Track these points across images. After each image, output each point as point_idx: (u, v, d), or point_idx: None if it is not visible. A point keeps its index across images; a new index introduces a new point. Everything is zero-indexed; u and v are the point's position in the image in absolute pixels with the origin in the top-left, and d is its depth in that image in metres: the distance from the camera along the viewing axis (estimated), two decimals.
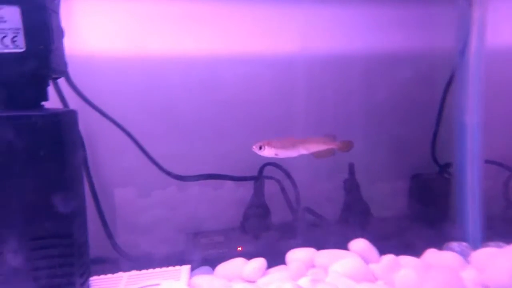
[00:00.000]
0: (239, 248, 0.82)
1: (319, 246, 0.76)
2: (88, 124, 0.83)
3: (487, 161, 0.69)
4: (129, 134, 0.83)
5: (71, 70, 0.78)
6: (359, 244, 0.71)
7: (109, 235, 0.85)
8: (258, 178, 0.91)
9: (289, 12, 0.90)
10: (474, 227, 0.68)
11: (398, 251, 0.70)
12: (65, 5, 0.79)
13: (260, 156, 0.92)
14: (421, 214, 0.91)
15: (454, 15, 0.72)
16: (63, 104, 0.80)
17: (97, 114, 0.83)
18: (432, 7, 0.92)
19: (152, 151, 0.87)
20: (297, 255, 0.72)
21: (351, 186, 0.89)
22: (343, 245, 0.75)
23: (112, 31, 0.84)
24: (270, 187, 0.92)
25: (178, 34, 0.87)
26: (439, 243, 0.74)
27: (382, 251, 0.72)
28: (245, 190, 0.92)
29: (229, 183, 0.94)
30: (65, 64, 0.65)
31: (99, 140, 0.87)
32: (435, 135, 0.95)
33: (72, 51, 0.80)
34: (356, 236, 0.75)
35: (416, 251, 0.72)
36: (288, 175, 0.90)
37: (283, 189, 0.91)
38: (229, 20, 0.89)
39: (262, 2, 0.89)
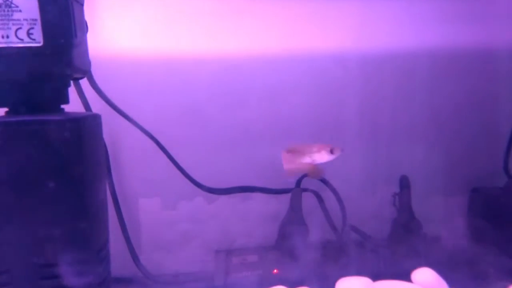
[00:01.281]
0: (275, 271, 0.73)
1: (368, 272, 0.66)
2: (111, 129, 0.77)
3: None
4: (157, 142, 0.75)
5: (94, 70, 0.72)
6: (425, 275, 0.60)
7: (132, 252, 0.77)
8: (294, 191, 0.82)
9: (339, 5, 0.80)
10: None
11: (467, 283, 0.60)
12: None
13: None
14: (484, 235, 0.80)
15: None
16: (85, 108, 0.73)
17: (120, 119, 0.76)
18: None
19: (180, 160, 0.79)
20: (349, 285, 0.62)
21: (403, 201, 0.79)
22: (396, 271, 0.65)
23: (140, 29, 0.77)
24: (308, 201, 0.83)
25: (210, 32, 0.78)
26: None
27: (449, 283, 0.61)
28: (280, 203, 0.83)
29: (262, 194, 0.85)
30: (88, 63, 0.58)
31: (123, 147, 0.80)
32: (510, 141, 0.83)
33: (96, 50, 0.75)
34: (412, 261, 0.65)
35: (489, 284, 0.61)
36: (331, 188, 0.80)
37: (323, 204, 0.82)
38: (268, 16, 0.80)
39: None
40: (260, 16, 0.79)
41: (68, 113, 0.52)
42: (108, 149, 0.77)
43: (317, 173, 0.71)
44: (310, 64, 0.81)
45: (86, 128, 0.49)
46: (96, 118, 0.53)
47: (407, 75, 0.82)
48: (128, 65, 0.76)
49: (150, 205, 0.84)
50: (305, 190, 0.82)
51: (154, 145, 0.77)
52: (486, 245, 0.77)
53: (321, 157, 0.67)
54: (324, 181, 0.80)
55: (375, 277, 0.66)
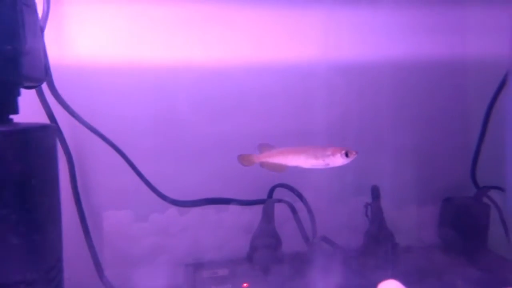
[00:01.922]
0: (245, 285, 0.71)
1: (340, 285, 0.65)
2: (79, 140, 0.75)
3: None
4: (121, 152, 0.73)
5: (58, 79, 0.70)
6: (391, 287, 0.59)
7: (97, 266, 0.74)
8: (266, 202, 0.81)
9: (309, 15, 0.80)
10: None
11: None
12: (55, 7, 0.71)
13: (269, 176, 0.82)
14: (455, 245, 0.79)
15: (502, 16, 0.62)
16: (49, 118, 0.71)
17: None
18: (475, 10, 0.82)
19: (148, 172, 0.77)
20: None
21: (375, 211, 0.78)
22: (365, 282, 0.64)
23: (108, 37, 0.75)
24: (281, 212, 0.81)
25: (181, 40, 0.77)
26: (486, 285, 0.63)
27: None
28: (255, 214, 0.82)
29: (237, 206, 0.84)
30: (43, 70, 0.56)
31: (91, 159, 0.77)
32: (477, 152, 0.83)
33: (61, 58, 0.73)
34: (384, 273, 0.64)
35: None
36: (301, 197, 0.79)
37: (296, 215, 0.80)
38: (238, 25, 0.79)
39: (279, 3, 0.79)
40: (229, 25, 0.78)
41: (16, 123, 0.49)
42: (74, 161, 0.75)
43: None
44: (279, 74, 0.80)
45: (34, 139, 0.46)
46: (48, 129, 0.50)
47: (375, 85, 0.82)
48: (94, 74, 0.74)
49: (119, 218, 0.81)
50: (278, 201, 0.81)
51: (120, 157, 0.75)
52: (456, 255, 0.77)
53: (335, 160, 0.64)
54: (295, 191, 0.79)
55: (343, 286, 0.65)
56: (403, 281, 0.62)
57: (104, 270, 0.75)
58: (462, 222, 0.80)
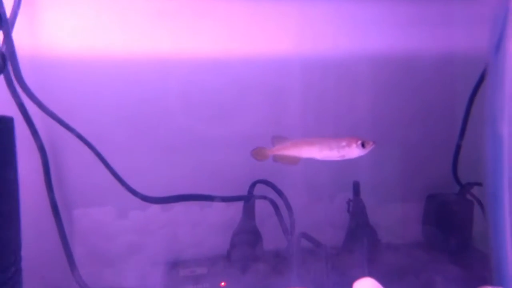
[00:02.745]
0: (223, 284, 0.69)
1: (316, 283, 0.63)
2: (54, 134, 0.72)
3: None
4: (90, 145, 0.70)
5: (28, 71, 0.68)
6: (366, 285, 0.58)
7: (72, 264, 0.72)
8: (248, 198, 0.79)
9: (284, 7, 0.78)
10: None
11: None
12: None
13: (251, 172, 0.80)
14: (438, 242, 0.78)
15: (484, 10, 0.60)
16: (20, 110, 0.69)
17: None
18: (454, 2, 0.80)
19: (125, 167, 0.75)
20: None
21: (356, 208, 0.77)
22: (346, 281, 0.63)
23: (78, 29, 0.72)
24: (263, 208, 0.80)
25: (154, 32, 0.75)
26: (465, 283, 0.61)
27: None
28: (238, 211, 0.80)
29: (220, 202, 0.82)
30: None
31: (67, 153, 0.75)
32: (457, 149, 0.82)
33: (31, 50, 0.71)
34: (362, 270, 0.63)
35: None
36: (280, 194, 0.77)
37: (277, 211, 0.79)
38: (211, 18, 0.77)
39: None
40: (202, 17, 0.76)
41: None
42: (49, 155, 0.72)
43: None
44: (254, 67, 0.78)
45: None
46: (4, 122, 0.48)
47: (353, 79, 0.80)
48: (66, 66, 0.72)
49: (97, 215, 0.79)
50: (259, 197, 0.80)
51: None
52: (439, 252, 0.75)
53: (352, 152, 0.60)
54: (275, 187, 0.77)
55: (319, 286, 0.64)
56: (381, 279, 0.60)
57: (79, 269, 0.72)
58: (446, 219, 0.79)
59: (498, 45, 0.54)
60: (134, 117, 0.76)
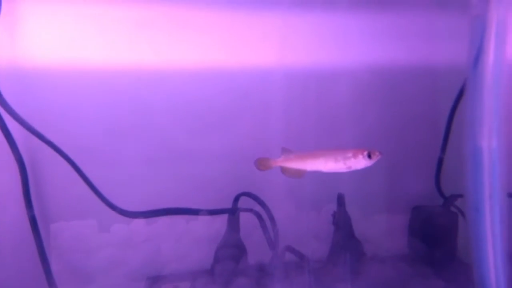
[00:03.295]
0: None
1: None
2: (33, 146, 0.71)
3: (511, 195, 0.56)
4: (67, 158, 0.69)
5: (11, 84, 0.67)
6: None
7: (50, 280, 0.70)
8: (233, 211, 0.78)
9: (265, 19, 0.78)
10: (498, 282, 0.54)
11: None
12: (8, 6, 0.68)
13: (235, 185, 0.80)
14: (423, 255, 0.78)
15: (462, 22, 0.61)
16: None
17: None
18: (436, 15, 0.81)
19: (107, 180, 0.73)
20: None
21: (341, 220, 0.76)
22: None
23: (59, 39, 0.72)
24: (248, 221, 0.79)
25: (137, 44, 0.74)
26: None
27: None
28: (224, 223, 0.79)
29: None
30: None
31: (47, 165, 0.74)
32: (440, 162, 0.82)
33: (13, 63, 0.70)
34: (346, 285, 0.62)
35: None
36: (264, 206, 0.76)
37: (262, 224, 0.78)
38: (192, 28, 0.76)
39: (235, 7, 0.77)
40: (183, 28, 0.75)
41: None
42: (27, 169, 0.71)
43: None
44: (235, 78, 0.78)
45: None
46: None
47: (334, 91, 0.80)
48: (45, 78, 0.71)
49: (78, 228, 0.78)
50: (245, 210, 0.79)
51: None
52: (424, 265, 0.75)
53: (358, 163, 0.59)
54: (258, 200, 0.76)
55: None
56: None
57: (57, 285, 0.70)
58: (431, 230, 0.79)
59: (476, 59, 0.54)
60: (116, 130, 0.75)
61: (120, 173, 0.76)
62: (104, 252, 0.77)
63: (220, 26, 0.76)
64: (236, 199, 0.78)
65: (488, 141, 0.53)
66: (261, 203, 0.76)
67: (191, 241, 0.83)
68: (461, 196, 0.77)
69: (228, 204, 0.78)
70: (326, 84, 0.80)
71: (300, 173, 0.62)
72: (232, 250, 0.75)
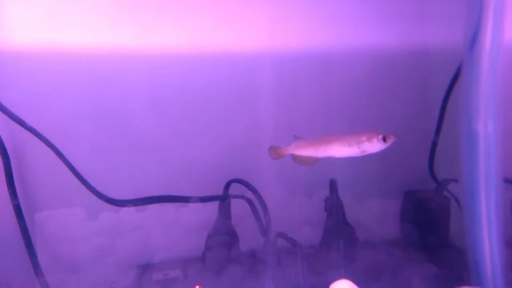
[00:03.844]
0: (197, 287, 0.67)
1: (292, 285, 0.61)
2: (17, 135, 0.68)
3: (506, 180, 0.55)
4: (51, 146, 0.67)
5: None
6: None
7: (37, 271, 0.69)
8: (224, 198, 0.77)
9: (257, 3, 0.75)
10: (493, 267, 0.54)
11: None
12: None
13: (226, 171, 0.78)
14: (416, 240, 0.78)
15: (457, 3, 0.59)
16: None
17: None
18: None
19: (92, 167, 0.71)
20: None
21: (333, 206, 0.75)
22: (323, 282, 0.61)
23: (42, 21, 0.68)
24: (240, 208, 0.78)
25: (119, 26, 0.71)
26: (443, 282, 0.61)
27: None
28: (215, 211, 0.78)
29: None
30: None
31: (31, 154, 0.71)
32: (433, 146, 0.81)
33: None
34: (339, 271, 0.61)
35: None
36: (255, 193, 0.75)
37: (254, 210, 0.77)
38: (180, 11, 0.73)
39: None
40: (170, 12, 0.72)
41: None
42: (11, 158, 0.68)
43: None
44: (224, 63, 0.75)
45: None
46: None
47: (327, 77, 0.78)
48: (23, 62, 0.68)
49: (65, 217, 0.76)
50: (236, 196, 0.78)
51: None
52: (416, 250, 0.75)
53: (372, 146, 0.58)
54: (249, 186, 0.75)
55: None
56: (358, 279, 0.59)
57: (45, 276, 0.69)
58: (423, 215, 0.78)
59: (473, 41, 0.53)
60: (101, 115, 0.72)
61: (108, 160, 0.74)
62: (93, 241, 0.75)
63: (208, 9, 0.74)
64: (227, 185, 0.77)
65: (484, 125, 0.52)
66: (253, 190, 0.75)
67: (182, 229, 0.82)
68: (454, 180, 0.77)
69: (219, 191, 0.77)
70: (317, 69, 0.78)
71: (312, 160, 0.61)
72: (223, 237, 0.75)
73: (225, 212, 0.76)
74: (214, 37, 0.74)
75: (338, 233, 0.74)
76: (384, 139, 0.58)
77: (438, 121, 0.79)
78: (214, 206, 0.78)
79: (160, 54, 0.73)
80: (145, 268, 0.75)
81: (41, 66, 0.68)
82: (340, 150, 0.59)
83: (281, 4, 0.74)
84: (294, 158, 0.62)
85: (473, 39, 0.53)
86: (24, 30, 0.67)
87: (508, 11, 0.51)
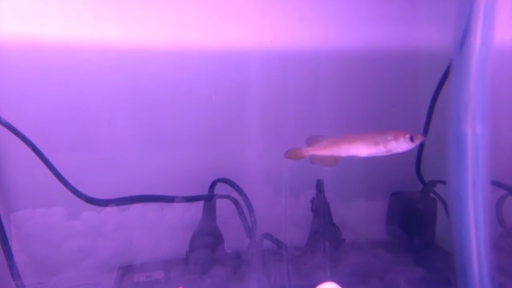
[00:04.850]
0: None
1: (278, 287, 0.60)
2: None
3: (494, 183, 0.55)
4: (27, 141, 0.64)
5: None
6: None
7: (14, 273, 0.66)
8: (209, 198, 0.75)
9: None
10: (480, 271, 0.54)
11: None
12: None
13: (211, 170, 0.77)
14: (402, 241, 0.77)
15: (447, 4, 0.58)
16: None
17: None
18: None
19: (72, 165, 0.69)
20: None
21: (320, 207, 0.74)
22: (309, 284, 0.60)
23: (18, 12, 0.66)
24: (225, 208, 0.76)
25: (103, 20, 0.69)
26: (429, 285, 0.60)
27: None
28: (199, 211, 0.76)
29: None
30: None
31: (10, 152, 0.69)
32: (421, 147, 0.80)
33: None
34: (325, 272, 0.60)
35: None
36: (241, 193, 0.73)
37: (240, 210, 0.75)
38: (165, 6, 0.71)
39: None
40: (154, 6, 0.71)
41: None
42: None
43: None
44: (210, 60, 0.74)
45: None
46: None
47: (315, 76, 0.77)
48: (3, 55, 0.65)
49: (45, 217, 0.73)
50: (221, 196, 0.76)
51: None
52: (403, 251, 0.74)
53: (399, 146, 0.56)
54: (235, 186, 0.74)
55: None
56: (344, 282, 0.58)
57: (22, 278, 0.66)
58: (410, 216, 0.78)
59: (462, 41, 0.52)
60: (82, 112, 0.70)
61: (89, 158, 0.71)
62: (73, 242, 0.73)
63: (195, 5, 0.72)
64: (212, 185, 0.75)
65: (472, 127, 0.52)
66: (238, 190, 0.74)
67: (165, 229, 0.80)
68: (441, 182, 0.77)
69: (204, 191, 0.76)
70: (306, 67, 0.77)
71: (333, 161, 0.59)
72: (208, 238, 0.73)
73: (210, 212, 0.75)
74: (200, 34, 0.72)
75: (324, 234, 0.73)
76: (412, 139, 0.56)
77: (426, 121, 0.79)
78: (199, 206, 0.76)
79: (144, 50, 0.71)
80: (127, 269, 0.73)
81: (19, 60, 0.66)
82: (366, 148, 0.57)
83: (269, 2, 0.73)
84: (313, 159, 0.59)
85: (463, 39, 0.52)
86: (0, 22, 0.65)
87: (498, 11, 0.50)
